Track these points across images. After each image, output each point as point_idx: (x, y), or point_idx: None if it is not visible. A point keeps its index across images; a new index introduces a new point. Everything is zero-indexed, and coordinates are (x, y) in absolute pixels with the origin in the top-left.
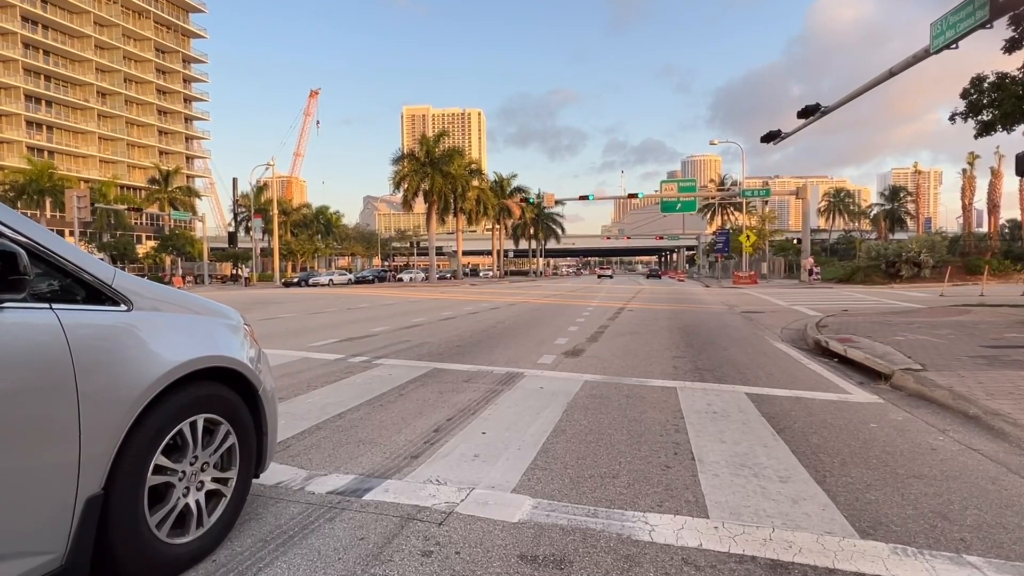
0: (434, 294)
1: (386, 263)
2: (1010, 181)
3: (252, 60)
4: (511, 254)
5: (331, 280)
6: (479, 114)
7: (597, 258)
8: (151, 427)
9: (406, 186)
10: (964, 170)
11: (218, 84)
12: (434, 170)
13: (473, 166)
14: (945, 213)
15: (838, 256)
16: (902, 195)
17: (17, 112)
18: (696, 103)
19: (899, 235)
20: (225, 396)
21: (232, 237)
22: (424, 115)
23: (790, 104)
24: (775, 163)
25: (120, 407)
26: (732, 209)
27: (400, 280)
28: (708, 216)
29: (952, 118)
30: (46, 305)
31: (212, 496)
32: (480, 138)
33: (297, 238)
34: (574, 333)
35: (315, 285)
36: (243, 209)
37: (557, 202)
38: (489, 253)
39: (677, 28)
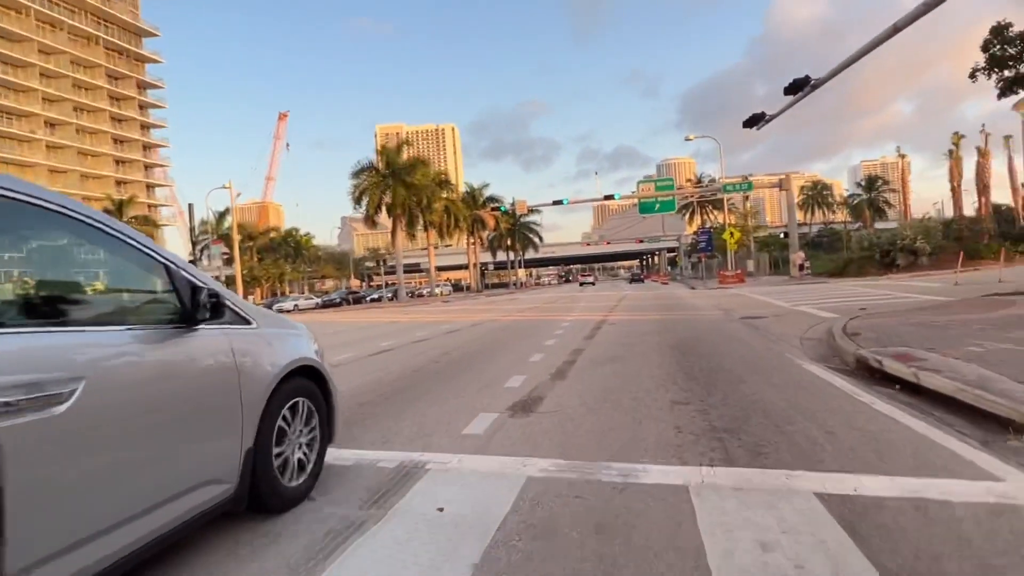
0: (395, 316)
1: (366, 284)
2: (999, 161)
3: (219, 87)
4: (491, 267)
5: (296, 305)
6: (452, 129)
7: (579, 265)
8: (275, 405)
9: (367, 200)
10: (950, 151)
11: (186, 111)
12: (396, 182)
13: (442, 177)
14: (918, 201)
15: (822, 249)
16: (879, 184)
17: None
18: (664, 107)
19: (879, 224)
20: (309, 385)
21: (192, 265)
22: (398, 133)
23: (756, 103)
24: (747, 162)
25: (260, 391)
26: (711, 208)
27: (373, 301)
28: (687, 216)
29: (973, 75)
30: (218, 325)
31: (305, 456)
32: (456, 153)
33: (262, 263)
34: (536, 365)
35: (279, 311)
36: (205, 236)
37: (531, 209)
38: (467, 267)
39: (640, 34)
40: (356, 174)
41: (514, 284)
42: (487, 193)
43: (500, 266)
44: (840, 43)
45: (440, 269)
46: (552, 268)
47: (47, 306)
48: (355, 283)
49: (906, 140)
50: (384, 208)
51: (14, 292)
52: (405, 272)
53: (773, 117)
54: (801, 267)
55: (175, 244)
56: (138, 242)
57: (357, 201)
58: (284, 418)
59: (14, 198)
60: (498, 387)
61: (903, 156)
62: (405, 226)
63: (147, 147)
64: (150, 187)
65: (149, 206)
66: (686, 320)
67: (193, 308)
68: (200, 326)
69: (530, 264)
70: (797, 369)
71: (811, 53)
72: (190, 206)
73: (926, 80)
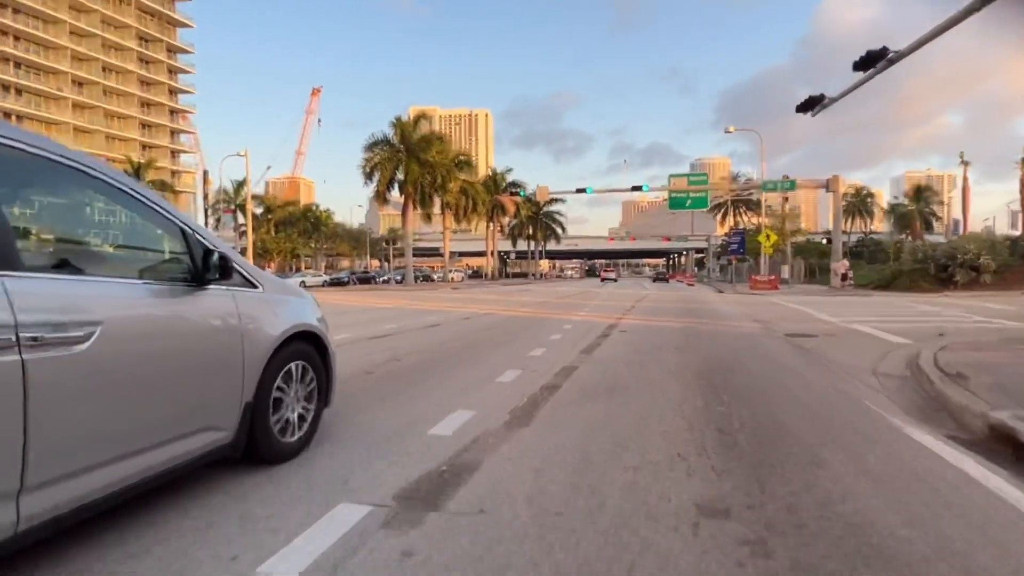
0: (390, 300)
1: (385, 264)
2: None
3: (250, 58)
4: (512, 255)
5: (302, 282)
6: (486, 115)
7: (603, 260)
8: (275, 365)
9: (378, 176)
10: (1023, 159)
11: (216, 80)
12: (410, 157)
13: (461, 157)
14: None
15: (863, 259)
16: (927, 195)
17: None
18: (701, 106)
19: (927, 238)
20: (309, 349)
21: (209, 230)
22: (432, 115)
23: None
24: (782, 168)
25: (261, 350)
26: (744, 209)
27: (384, 282)
28: (719, 216)
29: None
30: (226, 286)
31: (301, 416)
32: (488, 139)
33: (274, 236)
34: (500, 392)
35: None
36: (223, 204)
37: (554, 198)
38: (494, 255)
39: (680, 29)
40: (369, 147)
41: (533, 275)
42: (510, 178)
43: (522, 255)
44: (893, 47)
45: (461, 255)
46: (576, 261)
47: (73, 257)
48: (375, 263)
49: (953, 153)
50: (397, 186)
51: (44, 243)
52: (424, 256)
53: (835, 100)
54: (844, 277)
55: (202, 212)
56: (158, 205)
57: (368, 176)
58: (283, 378)
59: (55, 160)
60: (420, 433)
61: (966, 163)
62: (418, 205)
63: (174, 112)
64: (175, 153)
65: (172, 172)
66: (715, 333)
67: (204, 269)
68: (210, 286)
69: (552, 256)
70: (897, 437)
71: (858, 55)
72: (204, 173)
73: (977, 93)
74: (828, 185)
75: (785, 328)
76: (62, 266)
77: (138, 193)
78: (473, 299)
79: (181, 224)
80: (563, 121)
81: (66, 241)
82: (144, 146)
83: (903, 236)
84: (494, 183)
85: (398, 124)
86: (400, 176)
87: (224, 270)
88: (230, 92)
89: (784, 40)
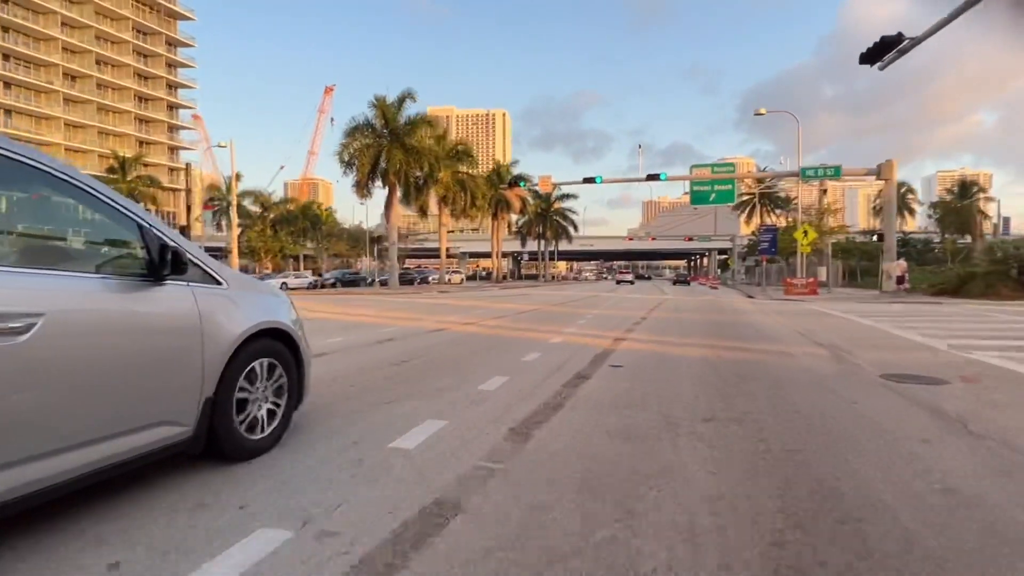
0: (337, 308)
1: (377, 264)
2: None
3: (258, 57)
4: (525, 256)
5: (284, 283)
6: (504, 115)
7: (622, 262)
8: (238, 362)
9: (359, 164)
10: None
11: (228, 79)
12: (393, 143)
13: (459, 147)
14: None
15: (911, 260)
16: (975, 191)
17: None
18: (724, 105)
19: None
20: (279, 347)
21: (183, 231)
22: (448, 116)
23: (822, 104)
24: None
25: (222, 346)
26: (772, 207)
27: (369, 284)
28: (743, 215)
29: None
30: (185, 282)
31: (271, 413)
32: (505, 139)
33: (260, 235)
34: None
35: None
36: (217, 202)
37: (564, 194)
38: (500, 255)
39: (702, 27)
40: (350, 132)
41: (543, 277)
42: (515, 172)
43: (533, 256)
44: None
45: (472, 256)
46: (594, 263)
47: (19, 250)
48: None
49: (987, 153)
50: (380, 176)
51: None
52: (429, 257)
53: (919, 41)
54: (900, 280)
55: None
56: (112, 200)
57: (348, 164)
58: (249, 374)
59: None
60: None
61: None
62: (402, 197)
63: (172, 107)
64: (172, 149)
65: (171, 169)
66: (767, 374)
67: (160, 264)
68: (167, 281)
69: (564, 256)
70: None
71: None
72: (187, 166)
73: (1012, 90)
74: (879, 172)
75: (870, 359)
76: (5, 259)
77: (91, 188)
78: (448, 306)
79: (136, 219)
80: (583, 121)
81: (11, 234)
82: (141, 142)
83: (954, 235)
84: (498, 176)
85: (379, 105)
86: (383, 164)
87: (181, 265)
88: (241, 90)
89: (808, 37)
